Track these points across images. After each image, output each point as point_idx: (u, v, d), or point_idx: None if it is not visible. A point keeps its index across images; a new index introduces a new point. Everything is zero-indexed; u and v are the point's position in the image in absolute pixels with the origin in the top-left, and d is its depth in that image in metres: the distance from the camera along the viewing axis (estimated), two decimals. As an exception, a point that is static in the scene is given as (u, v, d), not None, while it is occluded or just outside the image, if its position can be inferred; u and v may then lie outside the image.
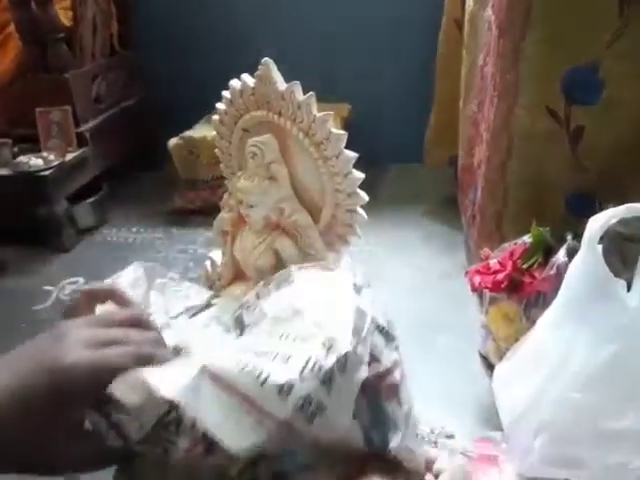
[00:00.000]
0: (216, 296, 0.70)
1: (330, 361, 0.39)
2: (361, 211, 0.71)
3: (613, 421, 0.60)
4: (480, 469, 0.71)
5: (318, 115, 0.66)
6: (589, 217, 0.97)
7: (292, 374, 0.38)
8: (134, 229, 1.62)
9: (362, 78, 1.85)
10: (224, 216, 0.77)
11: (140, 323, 0.46)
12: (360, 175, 0.68)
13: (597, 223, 0.64)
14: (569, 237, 0.85)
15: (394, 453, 0.42)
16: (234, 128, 0.77)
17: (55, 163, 1.44)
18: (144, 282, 0.59)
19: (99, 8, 1.60)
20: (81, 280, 1.36)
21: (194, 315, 0.60)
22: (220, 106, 0.76)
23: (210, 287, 0.90)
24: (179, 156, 1.64)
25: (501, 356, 0.92)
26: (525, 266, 0.88)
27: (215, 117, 0.78)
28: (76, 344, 0.38)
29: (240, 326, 0.51)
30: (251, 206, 0.71)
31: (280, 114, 0.69)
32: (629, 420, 0.59)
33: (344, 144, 0.67)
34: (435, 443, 0.82)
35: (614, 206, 0.87)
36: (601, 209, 0.94)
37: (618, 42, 0.82)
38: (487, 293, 0.93)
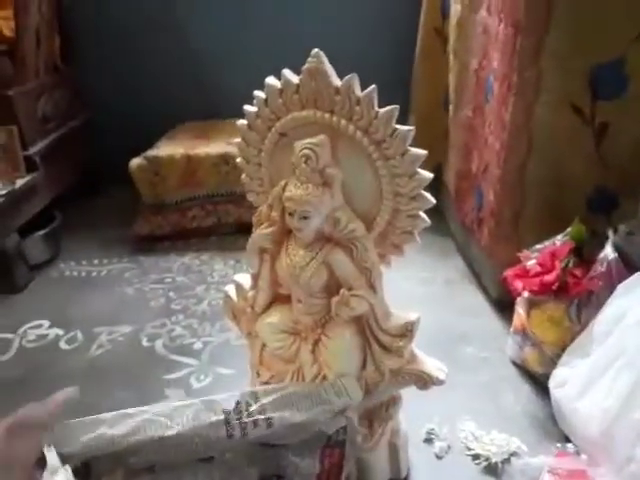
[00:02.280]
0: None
1: None
2: (424, 215, 0.64)
3: None
4: (573, 487, 0.65)
5: (381, 111, 0.59)
6: (608, 215, 0.98)
7: None
8: (95, 261, 1.45)
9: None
10: (264, 232, 0.67)
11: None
12: (429, 175, 0.61)
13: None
14: (610, 233, 0.83)
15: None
16: (267, 133, 0.67)
17: (2, 192, 1.26)
18: None
19: (43, 19, 1.44)
20: (46, 323, 1.18)
21: None
22: (250, 108, 0.67)
23: (235, 318, 0.79)
24: (142, 178, 1.49)
25: (545, 362, 0.88)
26: (562, 266, 0.85)
27: (242, 122, 0.69)
28: None
29: None
30: (305, 217, 0.62)
31: (332, 112, 0.61)
32: None
33: (410, 141, 0.60)
34: (504, 462, 0.76)
35: (635, 203, 0.88)
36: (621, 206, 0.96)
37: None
38: (526, 297, 0.89)
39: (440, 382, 0.67)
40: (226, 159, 1.46)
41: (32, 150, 1.38)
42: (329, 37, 1.74)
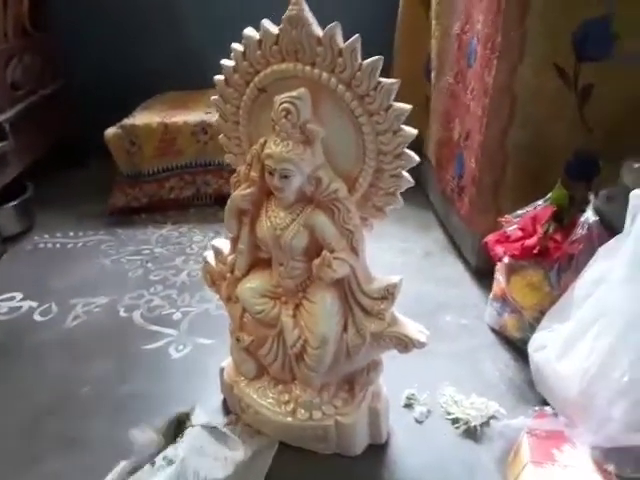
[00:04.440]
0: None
1: None
2: (407, 175, 0.63)
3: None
4: (552, 447, 0.65)
5: (365, 62, 0.56)
6: (588, 180, 0.98)
7: None
8: (71, 233, 1.41)
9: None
10: (243, 193, 0.65)
11: None
12: (413, 131, 0.60)
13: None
14: (591, 197, 0.83)
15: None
16: (245, 89, 0.65)
17: (-30, 160, 1.21)
18: None
19: (8, -21, 1.37)
20: (19, 295, 1.14)
21: None
22: (227, 63, 0.64)
23: (213, 284, 0.77)
24: (118, 148, 1.44)
25: (524, 327, 0.89)
26: (542, 231, 0.85)
27: (219, 77, 0.66)
28: None
29: None
30: (286, 177, 0.60)
31: (313, 64, 0.59)
32: None
33: (394, 95, 0.58)
34: (483, 426, 0.77)
35: (616, 168, 0.88)
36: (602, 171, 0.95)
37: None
38: (506, 263, 0.88)
39: (421, 345, 0.67)
40: (205, 128, 1.42)
41: (1, 117, 1.32)
42: (310, 3, 1.71)
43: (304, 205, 0.64)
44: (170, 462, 0.69)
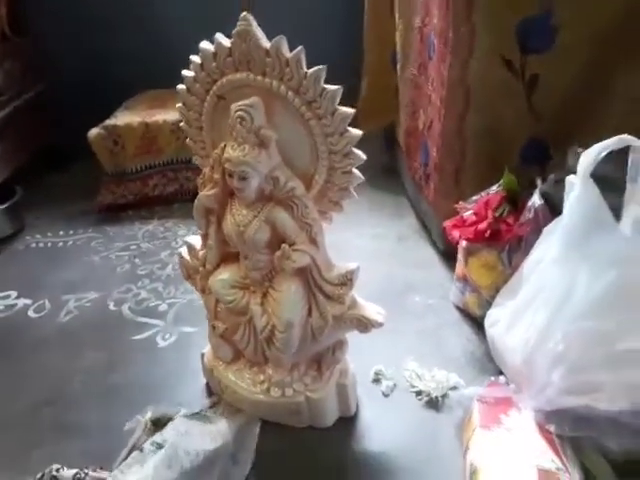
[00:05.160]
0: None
1: None
2: (357, 172, 0.69)
3: (624, 342, 0.64)
4: (500, 412, 0.72)
5: (310, 71, 0.62)
6: (542, 165, 1.04)
7: None
8: (61, 232, 1.47)
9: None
10: (208, 193, 0.71)
11: None
12: (358, 132, 0.65)
13: (589, 156, 0.66)
14: (538, 182, 0.88)
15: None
16: (206, 96, 0.70)
17: (-42, 167, 1.26)
18: None
19: (-15, -12, 1.40)
20: (13, 293, 1.20)
21: None
22: (188, 73, 0.70)
23: (189, 277, 0.83)
24: (102, 148, 1.50)
25: (483, 305, 0.95)
26: (496, 215, 0.91)
27: (181, 87, 0.72)
28: None
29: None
30: (244, 178, 0.66)
31: (264, 74, 0.64)
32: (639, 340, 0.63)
33: (338, 100, 0.64)
34: (444, 396, 0.84)
35: (564, 153, 0.93)
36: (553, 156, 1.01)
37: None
38: (464, 246, 0.95)
39: (379, 325, 0.73)
40: (184, 126, 1.47)
41: (-14, 123, 1.38)
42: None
43: (264, 202, 0.69)
44: (159, 446, 0.72)
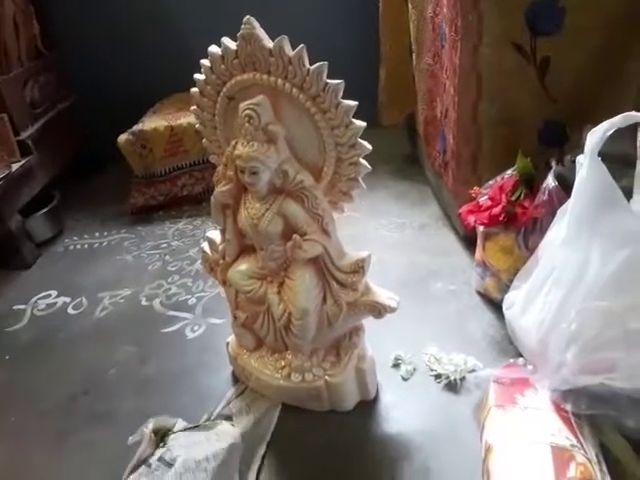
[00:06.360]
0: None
1: None
2: (364, 162, 0.71)
3: (637, 321, 0.64)
4: (515, 392, 0.73)
5: (312, 67, 0.64)
6: (561, 147, 1.03)
7: None
8: (97, 234, 1.54)
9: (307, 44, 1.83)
10: (222, 190, 0.74)
11: None
12: (361, 124, 0.67)
13: (596, 135, 0.66)
14: (553, 163, 0.88)
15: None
16: (217, 98, 0.74)
17: (0, 176, 1.34)
18: None
19: (17, 7, 1.48)
20: (54, 293, 1.28)
21: None
22: (199, 77, 0.73)
23: (211, 270, 0.87)
24: (131, 152, 1.56)
25: (502, 289, 0.96)
26: (513, 198, 0.91)
27: (194, 90, 0.75)
28: None
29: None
30: (255, 173, 0.69)
31: (269, 73, 0.67)
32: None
33: (341, 94, 0.66)
34: (462, 379, 0.85)
35: (581, 133, 0.92)
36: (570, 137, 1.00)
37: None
38: (481, 231, 0.95)
39: (392, 310, 0.75)
40: (208, 126, 1.52)
41: (24, 135, 1.45)
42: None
43: (276, 195, 0.72)
44: (168, 464, 0.71)
